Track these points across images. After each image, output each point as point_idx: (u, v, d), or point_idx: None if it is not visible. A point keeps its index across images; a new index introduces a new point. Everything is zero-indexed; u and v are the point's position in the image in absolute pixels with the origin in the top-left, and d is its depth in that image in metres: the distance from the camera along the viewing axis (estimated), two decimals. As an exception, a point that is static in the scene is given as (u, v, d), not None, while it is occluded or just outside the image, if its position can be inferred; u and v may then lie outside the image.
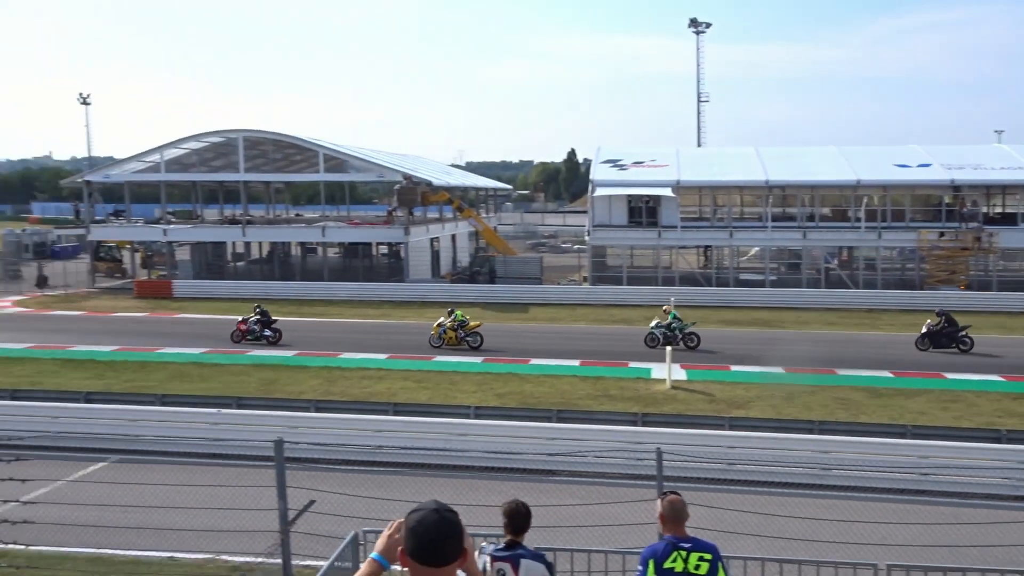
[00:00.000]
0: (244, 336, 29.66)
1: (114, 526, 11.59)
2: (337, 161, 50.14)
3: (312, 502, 8.21)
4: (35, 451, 15.65)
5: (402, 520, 3.24)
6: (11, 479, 8.35)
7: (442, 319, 29.05)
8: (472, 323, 29.06)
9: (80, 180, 50.50)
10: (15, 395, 19.23)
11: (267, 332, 29.79)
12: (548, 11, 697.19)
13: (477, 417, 17.55)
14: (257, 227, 50.76)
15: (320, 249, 51.19)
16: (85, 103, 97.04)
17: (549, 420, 17.45)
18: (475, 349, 28.26)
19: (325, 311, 37.30)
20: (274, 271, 49.37)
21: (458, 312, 29.25)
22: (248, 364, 26.05)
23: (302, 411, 17.97)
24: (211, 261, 51.71)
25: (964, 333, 27.73)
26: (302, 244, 55.09)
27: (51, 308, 39.08)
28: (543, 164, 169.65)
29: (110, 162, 57.12)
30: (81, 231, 54.23)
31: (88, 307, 39.18)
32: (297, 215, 68.50)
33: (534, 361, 26.20)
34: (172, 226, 49.40)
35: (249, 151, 47.91)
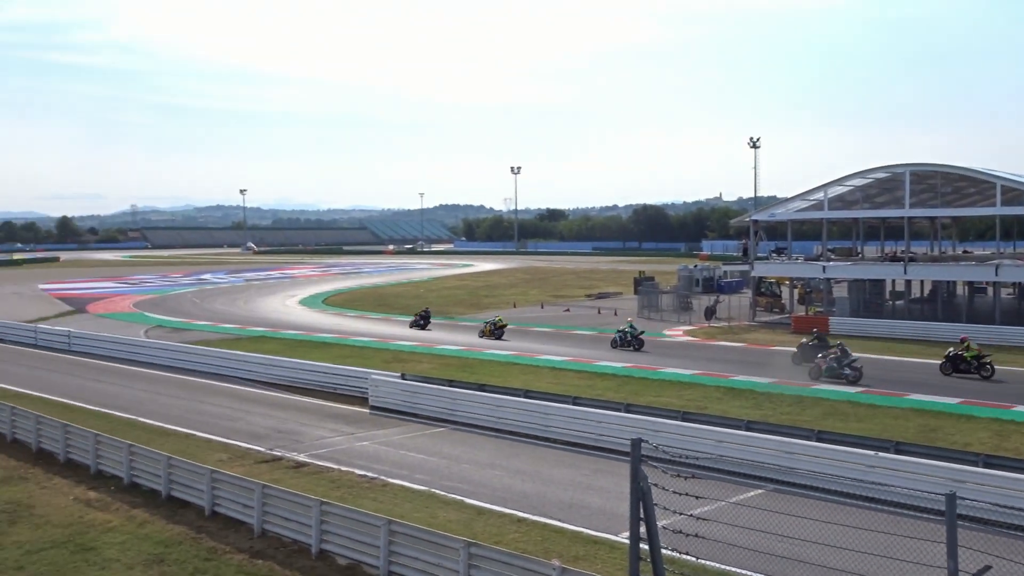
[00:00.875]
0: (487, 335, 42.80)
1: (767, 553, 11.85)
2: (1017, 192, 45.40)
3: (988, 568, 7.41)
4: (703, 470, 16.86)
5: None
6: (686, 494, 9.05)
7: (490, 319, 43.63)
8: (501, 323, 42.45)
9: (747, 219, 53.68)
10: (685, 416, 20.96)
11: (421, 322, 46.50)
12: None
13: None
14: (920, 265, 48.36)
15: (991, 289, 46.81)
16: (754, 146, 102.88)
17: None
18: (498, 339, 40.72)
19: (996, 358, 33.90)
20: (936, 311, 46.50)
21: (498, 317, 43.90)
22: (907, 408, 24.88)
23: (969, 464, 16.45)
24: (868, 299, 50.70)
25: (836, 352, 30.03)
26: (969, 283, 50.99)
27: (715, 339, 41.98)
28: None
29: (774, 201, 59.60)
30: (745, 267, 57.44)
31: (748, 339, 41.23)
32: (965, 252, 63.73)
33: None
34: (831, 263, 49.63)
35: (915, 185, 45.97)
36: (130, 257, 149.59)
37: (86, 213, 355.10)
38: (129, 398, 28.15)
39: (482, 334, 41.99)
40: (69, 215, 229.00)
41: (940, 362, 31.16)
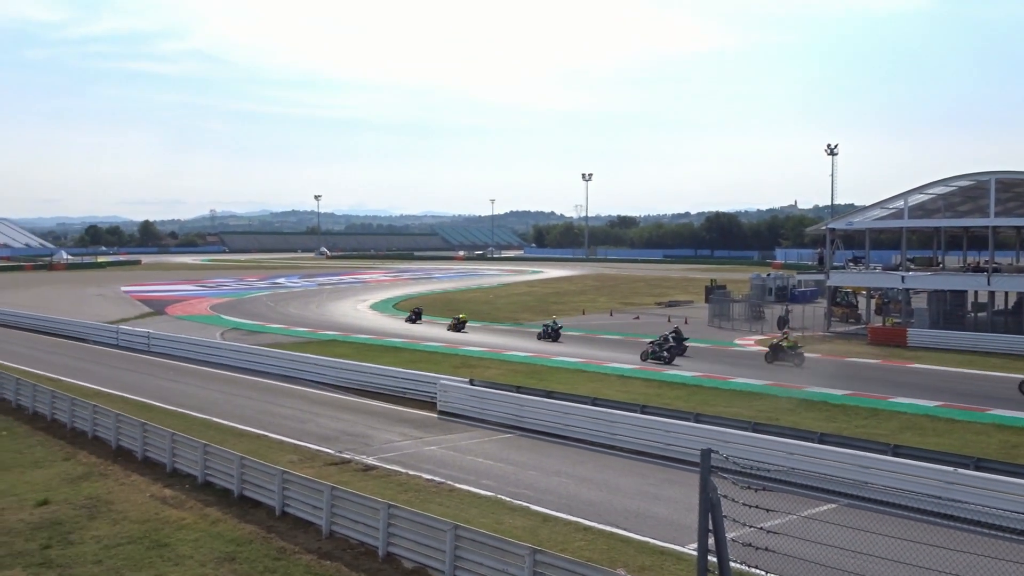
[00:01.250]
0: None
1: (839, 569, 11.57)
2: (1106, 202, 43.74)
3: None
4: (774, 483, 16.54)
5: None
6: (756, 507, 8.88)
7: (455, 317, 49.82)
8: (463, 319, 49.15)
9: (823, 228, 52.64)
10: (756, 428, 20.59)
11: (414, 317, 52.98)
12: None
13: None
14: (1004, 276, 46.82)
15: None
16: (832, 153, 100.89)
17: None
18: (458, 331, 47.37)
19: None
20: (1021, 324, 44.93)
21: (461, 315, 49.99)
22: (988, 423, 24.11)
23: (1053, 484, 15.81)
24: (949, 310, 49.22)
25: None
26: (1056, 296, 49.14)
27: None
28: None
29: (851, 209, 58.22)
30: (820, 276, 56.32)
31: (822, 350, 40.36)
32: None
33: None
34: (910, 273, 48.38)
35: (1001, 194, 44.57)
36: (208, 261, 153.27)
37: (167, 218, 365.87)
38: (205, 398, 28.81)
39: (450, 328, 48.54)
40: (151, 219, 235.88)
41: (765, 351, 36.71)
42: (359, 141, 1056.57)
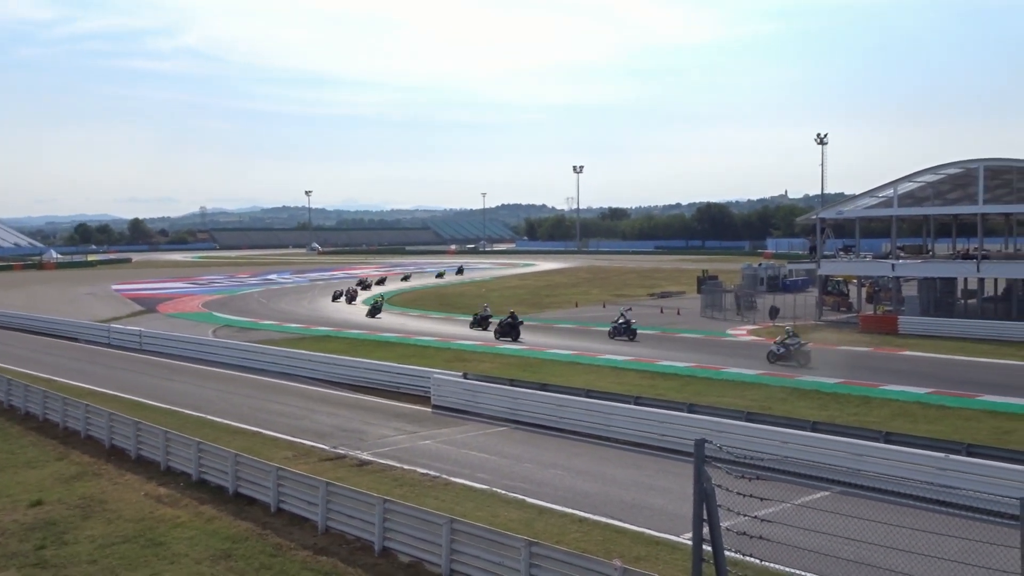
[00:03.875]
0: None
1: (833, 556, 11.63)
2: (1095, 188, 43.89)
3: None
4: (768, 472, 16.60)
5: None
6: (750, 496, 8.94)
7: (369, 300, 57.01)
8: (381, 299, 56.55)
9: (814, 217, 52.77)
10: (749, 417, 20.66)
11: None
12: None
13: None
14: (993, 262, 47.02)
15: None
16: (822, 143, 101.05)
17: None
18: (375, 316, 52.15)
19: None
20: (1010, 310, 45.14)
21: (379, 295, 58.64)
22: (979, 409, 24.23)
23: (1047, 469, 15.89)
24: (939, 297, 49.42)
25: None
26: (1046, 282, 49.31)
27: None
28: None
29: (841, 198, 58.35)
30: (811, 266, 56.48)
31: (814, 339, 40.37)
32: (1041, 249, 61.68)
33: None
34: (901, 261, 48.54)
35: (990, 181, 44.69)
36: (199, 258, 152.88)
37: (158, 215, 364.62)
38: (198, 396, 28.77)
39: (368, 314, 53.02)
40: (141, 217, 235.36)
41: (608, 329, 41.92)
42: (350, 137, 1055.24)
